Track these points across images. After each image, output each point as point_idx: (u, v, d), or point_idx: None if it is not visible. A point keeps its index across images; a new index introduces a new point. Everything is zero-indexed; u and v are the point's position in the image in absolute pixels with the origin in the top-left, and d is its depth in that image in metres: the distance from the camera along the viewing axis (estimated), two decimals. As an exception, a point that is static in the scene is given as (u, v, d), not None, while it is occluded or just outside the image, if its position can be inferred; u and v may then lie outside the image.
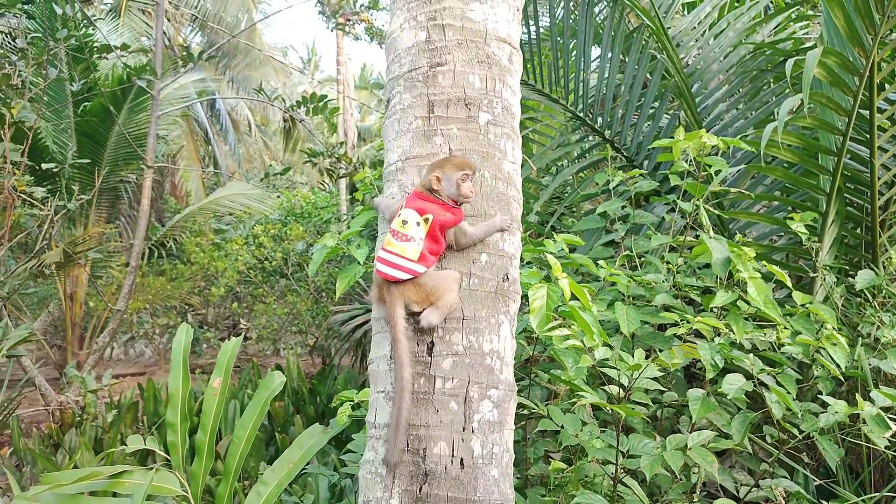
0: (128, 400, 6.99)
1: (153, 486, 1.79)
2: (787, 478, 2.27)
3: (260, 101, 7.64)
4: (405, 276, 1.46)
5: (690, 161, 2.88)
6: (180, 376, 1.93)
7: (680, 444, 1.83)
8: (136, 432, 5.46)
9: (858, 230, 3.63)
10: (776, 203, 3.88)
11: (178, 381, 1.92)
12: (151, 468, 1.84)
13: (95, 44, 5.45)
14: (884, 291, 3.01)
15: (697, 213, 2.75)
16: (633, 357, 1.91)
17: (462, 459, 1.43)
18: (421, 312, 1.46)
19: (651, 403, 2.04)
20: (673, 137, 2.84)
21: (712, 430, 2.16)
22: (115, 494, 1.82)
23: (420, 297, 1.46)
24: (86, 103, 6.41)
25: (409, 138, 1.62)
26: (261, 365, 9.02)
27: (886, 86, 3.33)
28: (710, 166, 2.77)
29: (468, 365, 1.48)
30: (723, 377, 2.23)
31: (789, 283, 2.51)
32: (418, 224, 1.48)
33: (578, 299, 2.22)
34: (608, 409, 1.82)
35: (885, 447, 2.26)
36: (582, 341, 1.91)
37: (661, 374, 2.07)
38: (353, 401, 2.50)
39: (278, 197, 9.75)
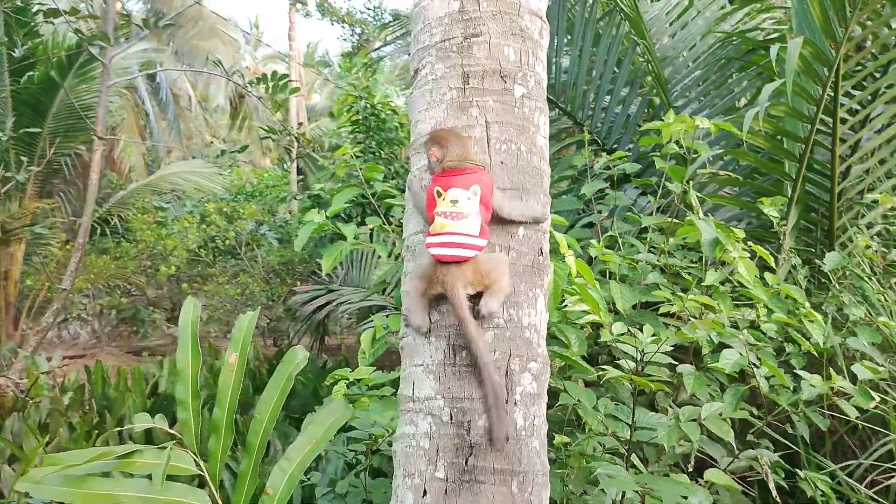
0: (73, 383, 6.67)
1: (150, 465, 1.72)
2: (770, 449, 2.38)
3: (217, 76, 7.36)
4: (471, 253, 1.43)
5: (671, 144, 2.95)
6: (189, 351, 1.85)
7: (693, 415, 1.90)
8: (84, 416, 5.22)
9: (814, 215, 3.83)
10: (740, 188, 4.03)
11: (188, 355, 1.84)
12: (164, 447, 1.76)
13: (40, 6, 5.10)
14: (848, 273, 3.18)
15: (685, 195, 2.83)
16: (642, 333, 1.96)
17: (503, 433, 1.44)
18: (475, 295, 1.44)
19: (668, 377, 2.10)
20: (642, 124, 2.91)
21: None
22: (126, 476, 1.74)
23: (476, 278, 1.43)
24: (30, 72, 6.01)
25: (442, 109, 1.60)
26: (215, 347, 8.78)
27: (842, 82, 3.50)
28: (694, 150, 2.85)
29: (509, 338, 1.48)
30: (712, 354, 2.32)
31: (773, 264, 2.62)
32: (469, 199, 1.44)
33: (583, 277, 2.25)
34: (629, 382, 1.86)
35: (856, 417, 2.40)
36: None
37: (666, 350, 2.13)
38: (347, 379, 2.47)
39: (228, 175, 9.46)
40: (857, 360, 2.93)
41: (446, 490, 1.39)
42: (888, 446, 2.57)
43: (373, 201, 3.32)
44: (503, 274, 1.45)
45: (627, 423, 1.99)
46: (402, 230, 3.32)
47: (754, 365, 2.24)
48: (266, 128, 6.35)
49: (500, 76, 1.58)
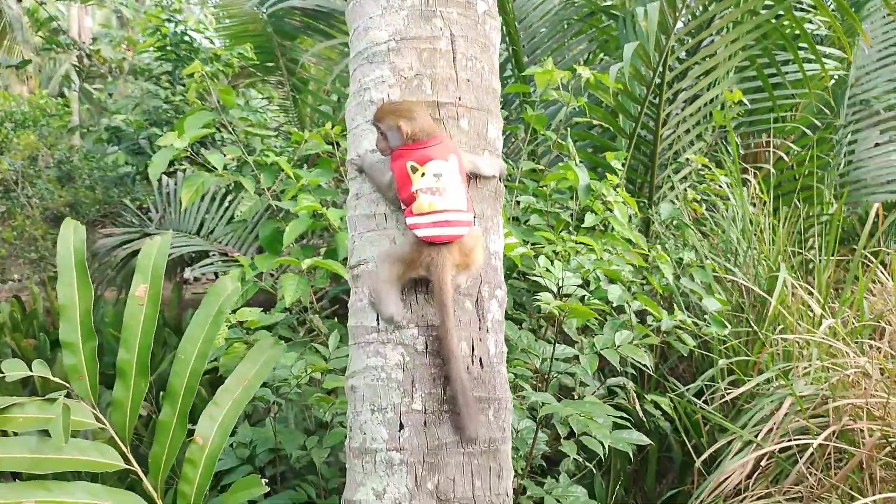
0: None
1: (43, 419, 1.37)
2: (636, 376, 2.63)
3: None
4: (464, 231, 1.32)
5: (539, 94, 3.04)
6: (75, 283, 1.48)
7: (608, 343, 2.02)
8: None
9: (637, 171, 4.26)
10: (582, 140, 4.33)
11: (73, 289, 1.48)
12: (51, 397, 1.41)
13: None
14: (675, 222, 3.59)
15: (558, 144, 2.95)
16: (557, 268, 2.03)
17: (481, 359, 1.39)
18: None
19: (606, 306, 2.19)
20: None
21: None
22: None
23: (461, 258, 1.34)
24: None
25: (402, 16, 1.45)
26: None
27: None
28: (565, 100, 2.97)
29: (480, 265, 1.43)
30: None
31: (636, 209, 2.86)
32: (451, 171, 1.33)
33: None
34: (559, 311, 1.92)
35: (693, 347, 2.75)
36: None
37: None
38: (229, 322, 2.23)
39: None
40: (688, 299, 3.34)
41: (425, 422, 1.31)
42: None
43: (230, 129, 2.98)
44: (480, 251, 1.39)
45: (538, 356, 2.05)
46: (267, 166, 3.06)
47: (629, 301, 2.44)
48: (48, 39, 5.37)
49: (463, -14, 1.48)
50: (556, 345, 2.04)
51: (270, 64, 6.14)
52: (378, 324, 1.38)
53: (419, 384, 1.33)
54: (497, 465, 1.37)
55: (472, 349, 1.37)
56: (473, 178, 1.45)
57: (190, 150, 2.72)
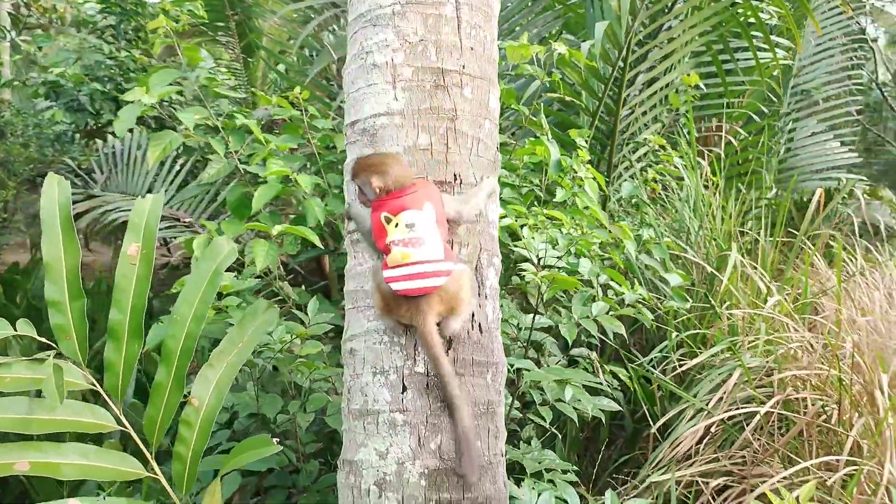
0: None
1: (35, 380, 1.31)
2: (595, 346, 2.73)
3: None
4: (440, 282, 1.30)
5: (511, 68, 3.07)
6: (60, 239, 1.41)
7: (585, 313, 2.09)
8: None
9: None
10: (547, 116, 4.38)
11: (59, 245, 1.40)
12: (39, 357, 1.35)
13: None
14: (634, 200, 3.71)
15: (530, 120, 2.98)
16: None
17: (480, 324, 1.42)
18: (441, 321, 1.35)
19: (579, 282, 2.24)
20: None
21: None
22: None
23: (445, 305, 1.33)
24: None
25: (406, -26, 1.44)
26: None
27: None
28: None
29: (479, 232, 1.45)
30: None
31: (604, 186, 2.94)
32: (426, 220, 1.31)
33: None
34: (540, 280, 1.96)
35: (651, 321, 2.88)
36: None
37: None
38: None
39: None
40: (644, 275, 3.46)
41: (427, 384, 1.34)
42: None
43: (197, 89, 2.87)
44: (467, 291, 1.36)
45: (519, 326, 2.11)
46: (235, 129, 2.97)
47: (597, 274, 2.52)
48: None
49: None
50: (533, 315, 2.10)
51: (221, 24, 5.92)
52: (364, 287, 1.39)
53: (423, 347, 1.35)
54: (494, 427, 1.41)
55: (472, 315, 1.40)
56: (472, 144, 1.47)
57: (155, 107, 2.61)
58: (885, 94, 9.78)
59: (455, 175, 1.42)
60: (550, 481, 1.80)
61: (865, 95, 9.22)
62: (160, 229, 4.53)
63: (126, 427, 1.44)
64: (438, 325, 1.34)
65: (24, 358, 1.35)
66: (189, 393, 1.47)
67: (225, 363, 1.49)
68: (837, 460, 2.49)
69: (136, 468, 1.41)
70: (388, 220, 1.32)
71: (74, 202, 4.87)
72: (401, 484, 1.31)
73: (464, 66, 1.46)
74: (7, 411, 1.30)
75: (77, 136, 5.92)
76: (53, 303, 1.40)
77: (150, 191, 5.02)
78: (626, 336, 2.67)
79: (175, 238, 5.48)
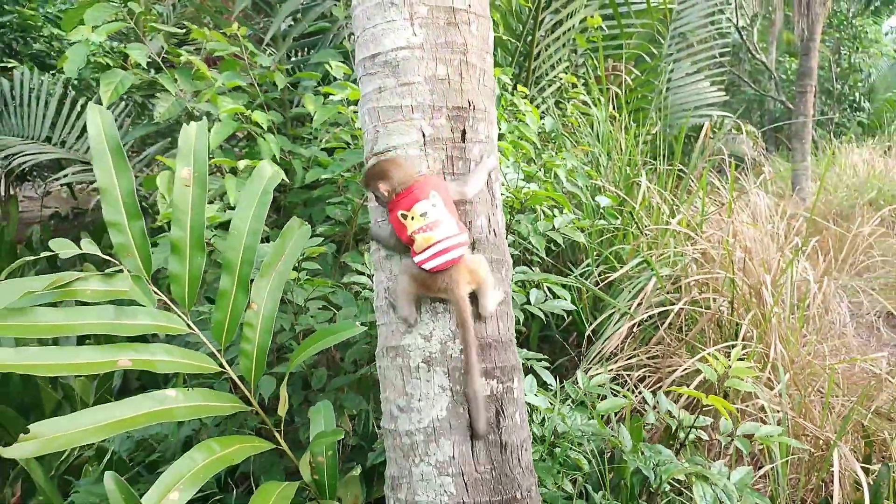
0: None
1: (112, 292, 1.38)
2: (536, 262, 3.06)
3: None
4: (462, 251, 1.50)
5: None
6: (111, 165, 1.45)
7: (548, 226, 2.39)
8: None
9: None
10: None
11: (110, 171, 1.43)
12: (108, 273, 1.41)
13: None
14: (553, 134, 4.05)
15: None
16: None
17: (494, 230, 1.66)
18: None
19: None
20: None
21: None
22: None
23: (470, 275, 1.52)
24: None
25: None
26: None
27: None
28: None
29: (489, 152, 1.68)
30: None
31: (538, 117, 3.23)
32: (434, 205, 1.50)
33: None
34: (516, 196, 2.22)
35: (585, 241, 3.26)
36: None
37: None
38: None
39: None
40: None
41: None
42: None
43: (132, 25, 2.80)
44: (486, 271, 1.57)
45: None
46: (181, 66, 2.94)
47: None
48: None
49: None
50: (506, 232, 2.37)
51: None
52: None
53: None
54: (510, 312, 1.68)
55: (489, 221, 1.64)
56: (479, 74, 1.67)
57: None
58: (744, 37, 10.79)
59: (469, 102, 1.62)
60: (531, 369, 2.12)
61: (728, 38, 10.09)
62: (77, 173, 4.33)
63: (195, 331, 1.56)
64: (473, 303, 1.56)
65: (96, 273, 1.42)
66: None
67: (274, 272, 1.63)
68: (733, 345, 3.02)
69: (212, 364, 1.57)
70: (405, 216, 1.53)
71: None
72: (445, 359, 1.56)
73: (470, 6, 1.64)
74: (97, 317, 1.38)
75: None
76: (113, 223, 1.46)
77: (49, 138, 4.74)
78: (565, 250, 3.02)
79: (91, 183, 5.21)
